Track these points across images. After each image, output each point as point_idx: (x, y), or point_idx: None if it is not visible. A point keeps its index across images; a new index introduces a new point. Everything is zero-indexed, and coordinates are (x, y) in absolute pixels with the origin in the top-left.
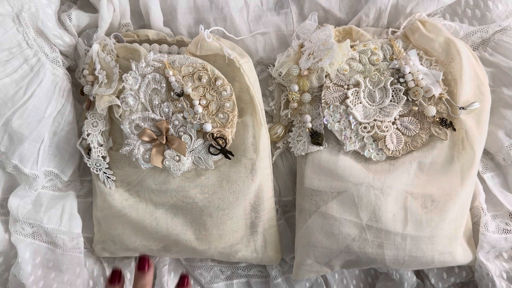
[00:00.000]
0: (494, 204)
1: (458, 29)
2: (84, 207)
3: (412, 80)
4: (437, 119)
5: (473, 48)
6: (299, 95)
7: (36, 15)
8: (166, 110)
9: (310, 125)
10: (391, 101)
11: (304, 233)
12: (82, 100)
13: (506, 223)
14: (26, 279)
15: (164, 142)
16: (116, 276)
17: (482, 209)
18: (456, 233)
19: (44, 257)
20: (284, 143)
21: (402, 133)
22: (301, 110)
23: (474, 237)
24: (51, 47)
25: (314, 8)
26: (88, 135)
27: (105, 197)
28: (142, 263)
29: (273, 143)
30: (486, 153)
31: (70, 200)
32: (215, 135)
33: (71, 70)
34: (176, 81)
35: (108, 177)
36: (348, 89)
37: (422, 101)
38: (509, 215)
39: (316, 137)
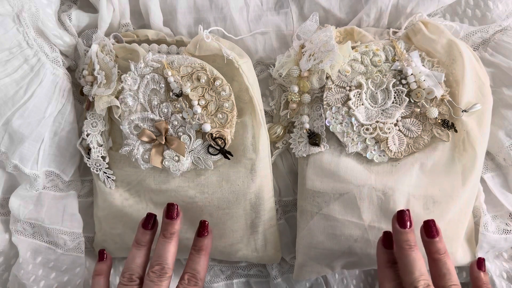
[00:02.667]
0: (494, 204)
1: (458, 29)
2: (85, 207)
3: (415, 81)
4: (439, 121)
5: (474, 48)
6: (298, 97)
7: (36, 15)
8: (165, 110)
9: (307, 126)
10: (393, 102)
11: (306, 235)
12: (82, 100)
13: (506, 224)
14: (27, 279)
15: (163, 143)
16: (148, 221)
17: (482, 209)
18: (457, 234)
19: (45, 257)
20: (283, 143)
21: (404, 135)
22: (300, 111)
23: (475, 238)
24: (51, 47)
25: (314, 8)
26: (87, 135)
27: (106, 197)
28: (171, 210)
29: (273, 143)
30: (487, 153)
31: (71, 200)
32: (214, 135)
33: (71, 70)
34: (174, 81)
35: (108, 177)
36: (350, 90)
37: (424, 102)
38: (510, 216)
39: (313, 138)
